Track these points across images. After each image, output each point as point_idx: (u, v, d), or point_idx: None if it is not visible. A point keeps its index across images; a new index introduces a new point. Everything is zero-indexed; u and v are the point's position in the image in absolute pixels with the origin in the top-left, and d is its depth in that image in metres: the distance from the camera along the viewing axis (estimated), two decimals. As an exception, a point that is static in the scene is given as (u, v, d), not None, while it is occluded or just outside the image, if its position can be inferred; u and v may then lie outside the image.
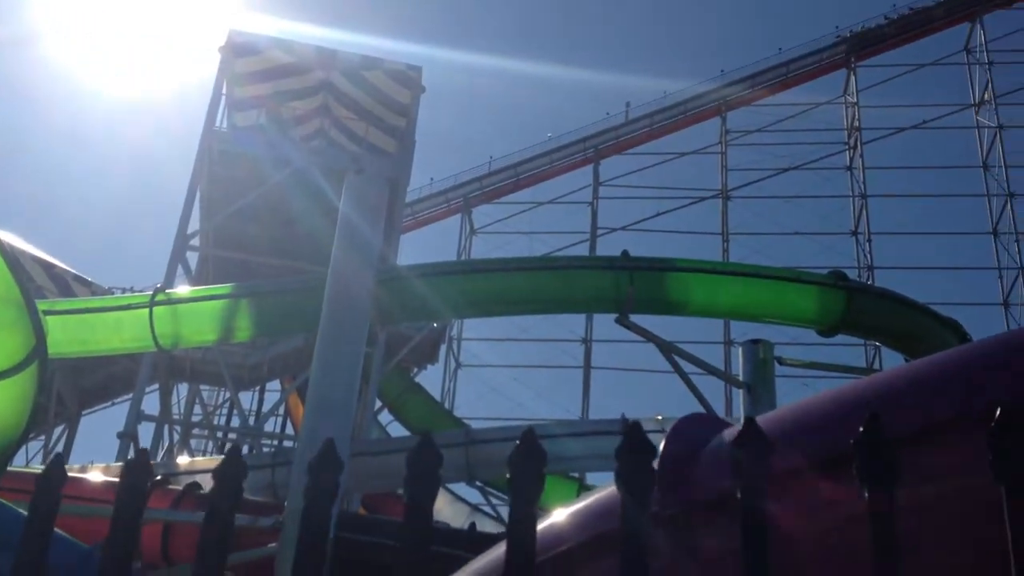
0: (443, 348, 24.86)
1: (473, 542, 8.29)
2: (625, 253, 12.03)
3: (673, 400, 56.40)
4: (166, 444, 21.59)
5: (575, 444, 13.82)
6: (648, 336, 12.21)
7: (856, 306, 12.29)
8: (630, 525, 1.96)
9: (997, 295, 36.65)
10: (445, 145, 60.59)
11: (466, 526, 13.36)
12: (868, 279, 36.00)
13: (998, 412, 1.58)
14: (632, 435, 2.09)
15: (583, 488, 17.79)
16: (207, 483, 11.26)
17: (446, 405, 27.98)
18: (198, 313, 11.73)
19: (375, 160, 18.59)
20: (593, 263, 12.25)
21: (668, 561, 2.90)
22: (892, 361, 25.01)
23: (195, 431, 23.08)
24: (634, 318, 12.09)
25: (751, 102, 40.52)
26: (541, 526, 3.19)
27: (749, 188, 38.69)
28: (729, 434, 3.12)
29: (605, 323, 32.06)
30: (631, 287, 11.64)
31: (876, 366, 32.48)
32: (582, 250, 36.29)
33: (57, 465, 1.95)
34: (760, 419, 3.27)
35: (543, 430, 14.40)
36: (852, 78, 41.26)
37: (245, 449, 21.83)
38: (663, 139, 38.95)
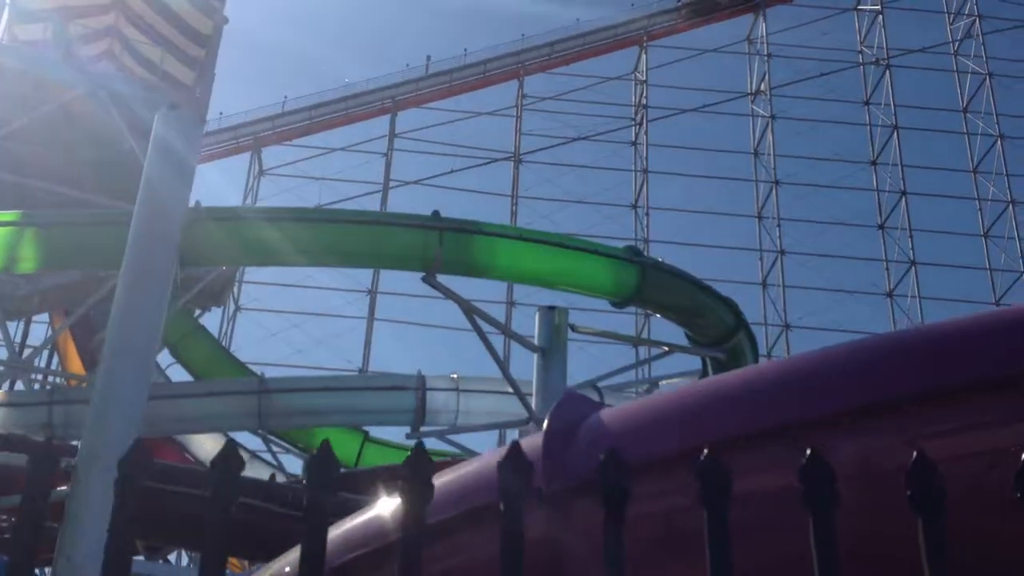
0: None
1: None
2: (436, 213, 12.19)
3: (454, 356, 57.28)
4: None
5: (369, 398, 13.97)
6: (452, 296, 12.46)
7: (648, 280, 12.99)
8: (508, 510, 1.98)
9: (758, 275, 39.43)
10: (238, 81, 58.45)
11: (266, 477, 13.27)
12: (644, 251, 37.80)
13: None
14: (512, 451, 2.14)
15: (368, 441, 17.95)
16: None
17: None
18: (-21, 240, 10.98)
19: (189, 96, 17.81)
20: (405, 221, 12.30)
21: (553, 538, 3.12)
22: (660, 333, 26.37)
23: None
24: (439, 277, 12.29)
25: (548, 69, 41.43)
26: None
27: (541, 154, 39.65)
28: (606, 415, 3.39)
29: (392, 276, 32.17)
30: (440, 248, 11.83)
31: (644, 335, 34.18)
32: (373, 201, 36.15)
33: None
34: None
35: (339, 382, 14.43)
36: (643, 56, 42.88)
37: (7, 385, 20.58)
38: (461, 97, 39.20)
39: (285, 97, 37.70)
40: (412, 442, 15.06)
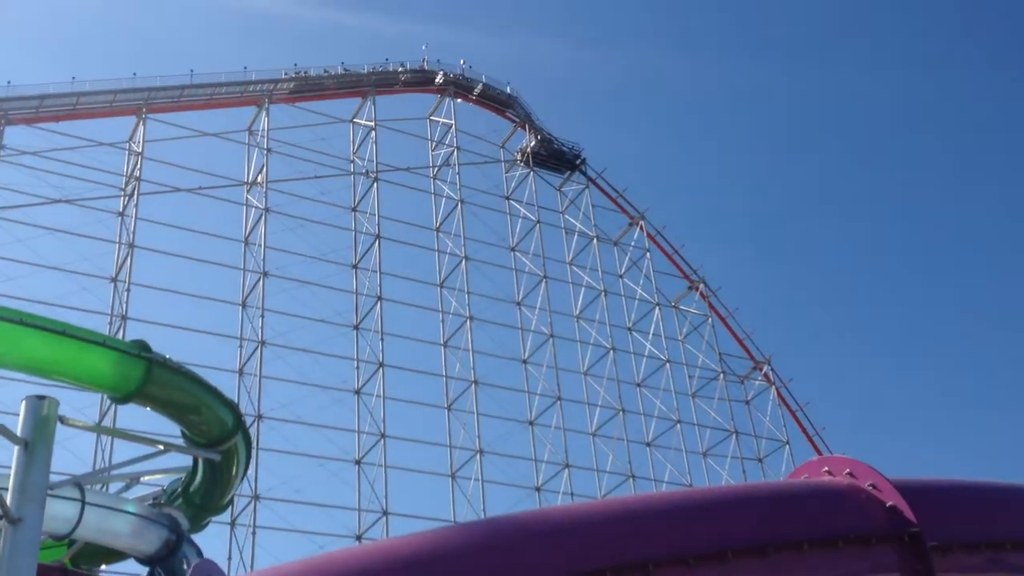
0: None
1: None
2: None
3: None
4: None
5: None
6: (-70, 379, 11.15)
7: (154, 377, 12.67)
8: None
9: (236, 363, 39.46)
10: None
11: None
12: (120, 328, 36.17)
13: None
14: None
15: None
16: None
17: None
18: None
19: None
20: None
21: None
22: (151, 428, 25.33)
23: None
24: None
25: (34, 123, 38.58)
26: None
27: (15, 212, 36.44)
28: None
29: None
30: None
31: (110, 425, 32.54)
32: None
33: None
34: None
35: None
36: (141, 128, 41.63)
37: None
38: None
39: None
40: None
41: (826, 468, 5.28)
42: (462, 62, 53.52)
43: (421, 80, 51.85)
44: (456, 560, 3.70)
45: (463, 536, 3.87)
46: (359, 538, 37.66)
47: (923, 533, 4.65)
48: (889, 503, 4.84)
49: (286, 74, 46.55)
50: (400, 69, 51.16)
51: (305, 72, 47.43)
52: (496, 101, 54.21)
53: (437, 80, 51.81)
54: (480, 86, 53.31)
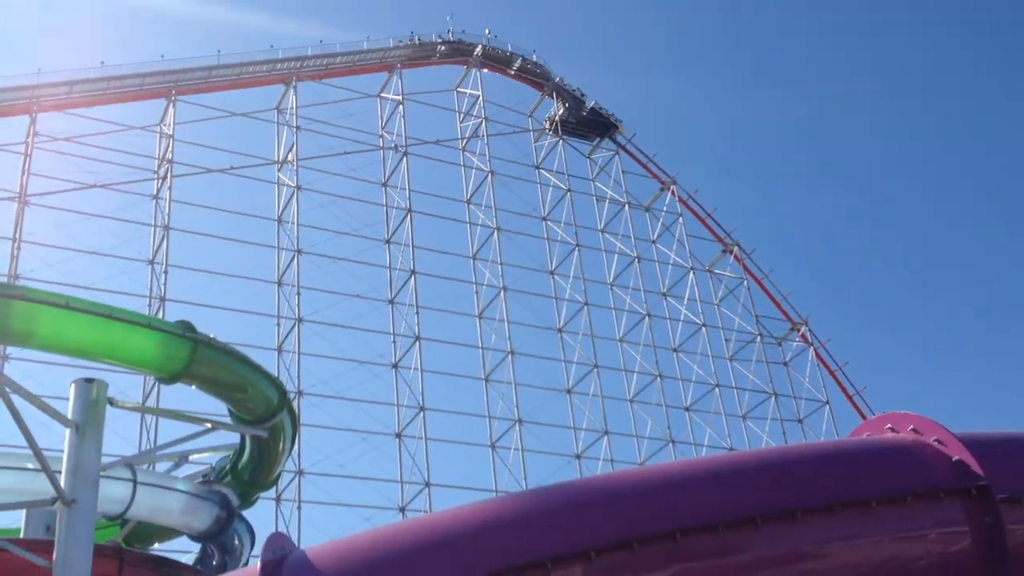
0: None
1: None
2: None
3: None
4: None
5: None
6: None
7: (199, 357, 12.78)
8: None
9: (274, 341, 39.77)
10: None
11: None
12: (159, 309, 36.52)
13: None
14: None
15: None
16: None
17: None
18: None
19: None
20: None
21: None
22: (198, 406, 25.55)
23: None
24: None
25: (65, 109, 38.84)
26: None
27: (51, 198, 36.79)
28: (312, 552, 3.65)
29: None
30: (-28, 312, 10.77)
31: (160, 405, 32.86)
32: None
33: None
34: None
35: None
36: (171, 110, 41.78)
37: None
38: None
39: None
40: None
41: (889, 425, 5.26)
42: (487, 31, 53.28)
43: (447, 52, 51.65)
44: (515, 526, 3.77)
45: (522, 503, 3.93)
46: (403, 510, 38.01)
47: (991, 486, 4.65)
48: (955, 457, 4.83)
49: (312, 51, 46.53)
50: (426, 41, 51.03)
51: (331, 49, 47.41)
52: (523, 70, 53.89)
53: (463, 50, 51.65)
54: (506, 54, 53.06)
